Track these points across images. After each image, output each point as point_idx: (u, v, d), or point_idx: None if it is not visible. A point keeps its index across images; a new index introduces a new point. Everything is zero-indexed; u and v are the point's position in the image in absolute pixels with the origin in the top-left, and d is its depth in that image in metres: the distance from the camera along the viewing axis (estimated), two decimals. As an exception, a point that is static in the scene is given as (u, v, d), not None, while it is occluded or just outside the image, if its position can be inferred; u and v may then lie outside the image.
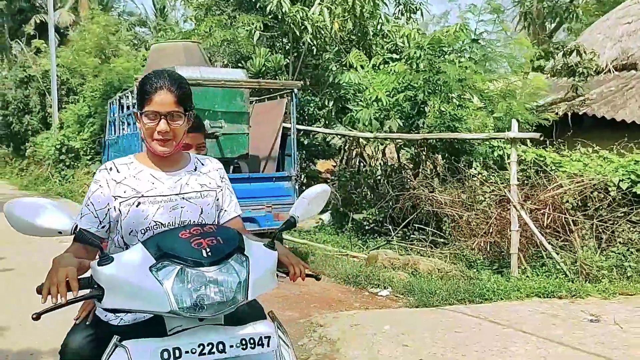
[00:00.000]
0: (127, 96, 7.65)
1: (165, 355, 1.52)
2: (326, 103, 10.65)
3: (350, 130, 9.61)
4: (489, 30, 11.45)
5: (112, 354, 1.58)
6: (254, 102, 8.08)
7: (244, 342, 1.61)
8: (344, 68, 10.07)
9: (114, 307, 1.61)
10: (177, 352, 1.53)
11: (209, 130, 6.58)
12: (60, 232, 1.61)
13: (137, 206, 1.92)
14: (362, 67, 9.90)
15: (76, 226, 1.63)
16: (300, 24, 9.74)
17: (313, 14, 9.47)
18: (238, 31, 11.72)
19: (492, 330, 4.53)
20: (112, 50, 18.84)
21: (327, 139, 13.99)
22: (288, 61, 11.71)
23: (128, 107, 7.36)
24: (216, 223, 2.06)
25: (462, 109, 8.07)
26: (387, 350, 4.19)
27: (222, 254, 1.61)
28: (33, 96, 23.05)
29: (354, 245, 9.14)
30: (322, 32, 9.99)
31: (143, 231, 1.90)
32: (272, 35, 12.10)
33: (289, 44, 11.52)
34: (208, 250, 1.59)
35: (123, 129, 8.09)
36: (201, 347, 1.55)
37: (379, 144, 9.97)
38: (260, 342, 1.64)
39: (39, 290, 1.57)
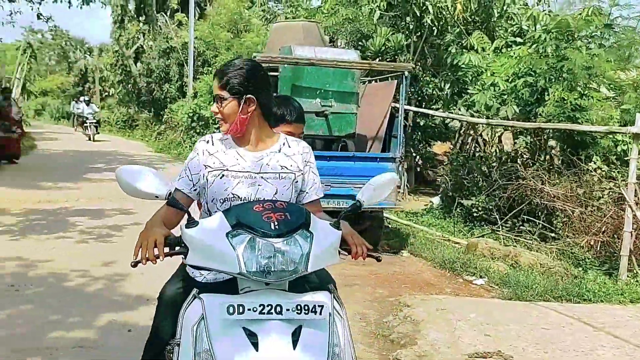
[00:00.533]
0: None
1: (231, 309, 1.76)
2: (443, 85, 10.47)
3: (463, 115, 9.39)
4: (624, 16, 10.52)
5: (191, 303, 1.87)
6: (366, 83, 8.21)
7: (299, 307, 1.80)
8: (464, 50, 9.82)
9: (195, 264, 1.90)
10: (240, 308, 1.76)
11: (319, 109, 6.86)
12: (157, 197, 1.90)
13: (220, 178, 2.15)
14: (483, 49, 9.61)
15: (169, 192, 1.91)
16: (422, 5, 9.64)
17: (435, -6, 9.31)
18: (361, 10, 11.83)
19: (582, 332, 4.39)
20: (244, 25, 19.76)
21: (446, 121, 13.78)
22: (410, 41, 11.66)
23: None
24: (293, 202, 2.23)
25: (585, 98, 7.60)
26: (467, 337, 4.24)
27: (289, 227, 1.80)
28: (173, 66, 24.93)
29: (459, 231, 9.06)
30: (444, 13, 9.80)
31: (222, 201, 2.17)
32: (395, 15, 12.07)
33: (412, 24, 11.45)
34: (276, 223, 1.80)
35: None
36: (262, 307, 1.77)
37: (493, 129, 9.67)
38: (313, 309, 1.82)
39: (133, 266, 1.93)
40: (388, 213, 10.03)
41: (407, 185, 13.51)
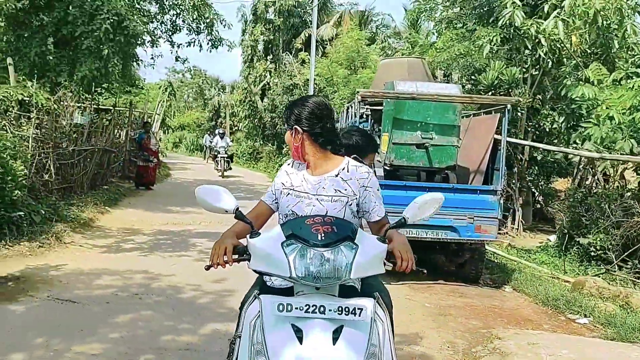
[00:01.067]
0: (352, 105, 8.53)
1: (281, 307, 2.06)
2: (557, 118, 10.17)
3: (577, 149, 9.05)
4: None
5: (252, 302, 2.23)
6: (471, 115, 8.27)
7: (340, 309, 2.06)
8: (580, 82, 9.51)
9: (257, 269, 2.24)
10: (289, 306, 2.06)
11: (420, 141, 7.06)
12: (226, 211, 2.32)
13: (287, 195, 2.54)
14: (600, 81, 9.25)
15: (237, 208, 2.31)
16: (534, 38, 9.53)
17: (547, 27, 9.17)
18: (473, 45, 11.88)
19: (686, 378, 4.12)
20: (362, 62, 20.45)
21: (569, 157, 13.23)
22: (525, 75, 11.49)
23: (355, 115, 8.21)
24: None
25: None
26: (554, 371, 4.17)
27: (334, 238, 2.09)
28: (296, 102, 26.24)
29: (572, 270, 8.68)
30: (559, 45, 9.60)
31: (285, 216, 2.53)
32: (510, 48, 11.97)
33: (529, 57, 11.29)
34: (323, 235, 2.09)
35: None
36: (307, 306, 2.05)
37: (609, 165, 9.20)
38: (354, 311, 2.06)
39: (207, 269, 2.36)
40: (496, 248, 9.84)
41: (522, 222, 13.10)
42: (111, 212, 11.19)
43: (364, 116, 8.43)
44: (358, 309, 2.07)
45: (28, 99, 9.56)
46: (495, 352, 4.71)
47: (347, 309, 2.07)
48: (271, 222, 2.67)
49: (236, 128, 40.32)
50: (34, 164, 8.97)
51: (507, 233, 12.94)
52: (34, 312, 5.07)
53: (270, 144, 30.14)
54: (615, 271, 7.89)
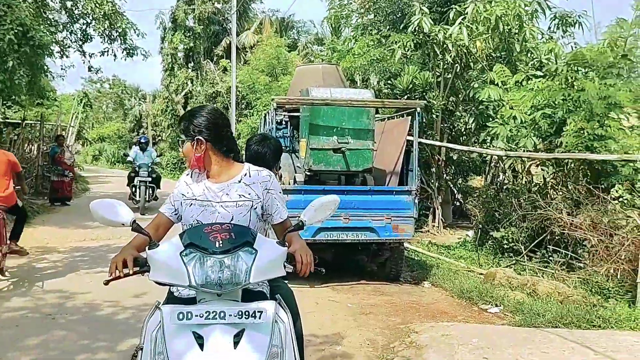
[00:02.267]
0: (269, 112, 8.59)
1: (180, 316, 2.10)
2: (468, 119, 10.68)
3: (484, 148, 9.54)
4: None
5: (153, 313, 2.23)
6: (385, 120, 8.53)
7: (240, 313, 2.11)
8: (486, 85, 10.05)
9: (157, 280, 2.23)
10: (189, 314, 2.09)
11: (336, 146, 7.21)
12: (123, 224, 2.30)
13: (190, 206, 2.54)
14: (504, 83, 9.81)
15: (133, 220, 2.29)
16: (442, 43, 9.97)
17: (453, 33, 9.63)
18: (388, 50, 12.25)
19: (582, 355, 4.44)
20: (282, 68, 20.58)
21: (483, 155, 13.87)
22: (438, 78, 11.97)
23: (274, 122, 8.25)
24: (254, 226, 2.51)
25: (604, 128, 7.67)
26: (465, 359, 4.39)
27: (232, 245, 2.14)
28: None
29: (487, 263, 9.11)
30: (465, 50, 10.09)
31: (189, 226, 2.52)
32: (423, 53, 12.43)
33: (440, 61, 11.77)
34: (221, 242, 2.14)
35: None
36: (207, 313, 2.09)
37: (523, 162, 9.77)
38: (254, 315, 2.12)
39: (105, 284, 2.36)
40: (417, 246, 10.18)
41: (442, 219, 13.59)
42: (23, 231, 10.63)
43: (283, 123, 8.51)
44: (258, 311, 2.13)
45: None
46: (411, 346, 4.90)
47: (247, 313, 2.12)
48: (172, 233, 2.68)
49: (159, 138, 39.41)
50: None
51: (428, 231, 13.40)
52: None
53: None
54: (524, 262, 8.37)
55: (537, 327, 5.34)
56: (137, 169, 13.66)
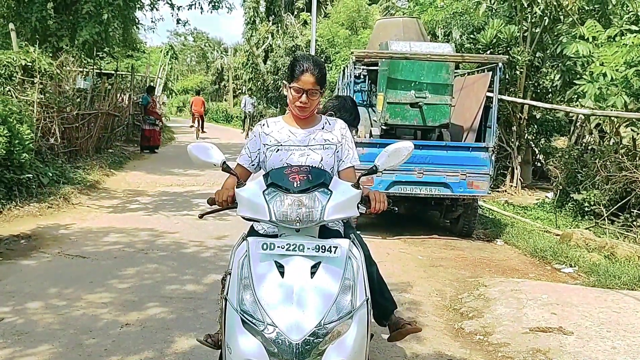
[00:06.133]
0: (347, 66, 8.66)
1: (264, 246, 2.32)
2: (553, 76, 10.25)
3: (570, 107, 9.18)
4: None
5: (241, 243, 2.49)
6: (466, 75, 8.39)
7: (318, 247, 2.31)
8: (576, 40, 9.56)
9: (243, 215, 2.48)
10: (272, 245, 2.31)
11: (413, 100, 7.22)
12: (215, 165, 2.53)
13: (276, 152, 2.71)
14: (594, 38, 9.30)
15: (224, 162, 2.52)
16: (531, -5, 9.54)
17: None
18: (472, 3, 11.86)
19: (656, 317, 4.39)
20: (362, 22, 20.33)
21: (570, 115, 13.31)
22: (524, 33, 11.48)
23: (352, 76, 8.33)
24: (334, 168, 2.73)
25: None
26: (533, 313, 4.45)
27: (309, 185, 2.35)
28: (298, 63, 26.17)
29: (565, 225, 8.92)
30: (555, 3, 9.61)
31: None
32: (510, 6, 11.93)
33: (529, 15, 11.26)
34: (299, 183, 2.35)
35: (344, 91, 9.17)
36: (288, 245, 2.30)
37: (603, 121, 9.35)
38: (330, 249, 2.32)
39: (209, 201, 2.63)
40: (492, 205, 10.09)
41: (520, 180, 13.29)
42: (116, 175, 11.48)
43: (361, 77, 8.57)
44: (333, 247, 2.32)
45: (31, 64, 9.72)
46: (480, 298, 5.00)
47: (323, 247, 2.31)
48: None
49: (239, 91, 40.31)
50: (40, 128, 9.21)
51: (505, 191, 13.16)
52: (46, 267, 5.38)
53: (273, 107, 30.19)
54: (605, 225, 8.13)
55: (612, 288, 5.27)
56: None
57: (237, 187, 2.48)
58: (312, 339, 2.13)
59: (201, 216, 2.65)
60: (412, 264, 6.31)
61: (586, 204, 9.39)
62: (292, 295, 2.19)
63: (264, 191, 2.37)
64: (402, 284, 5.42)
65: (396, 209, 2.63)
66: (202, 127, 22.27)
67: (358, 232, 2.95)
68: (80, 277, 5.06)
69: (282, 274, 2.26)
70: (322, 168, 2.62)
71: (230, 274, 2.43)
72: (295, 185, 2.33)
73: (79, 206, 8.30)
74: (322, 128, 2.78)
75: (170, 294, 4.77)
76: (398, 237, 7.49)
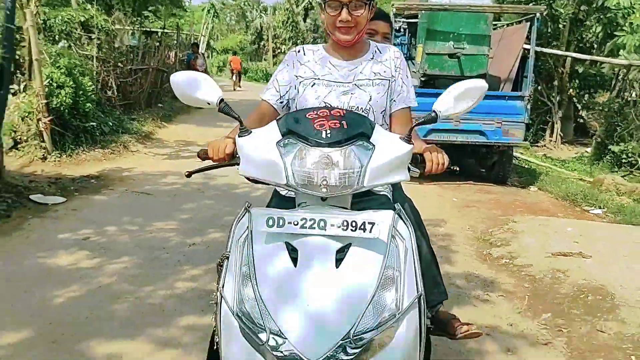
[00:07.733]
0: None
1: (270, 222, 1.59)
2: (596, 29, 10.27)
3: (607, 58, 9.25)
4: None
5: (242, 216, 1.71)
6: (505, 26, 8.57)
7: (346, 223, 1.58)
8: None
9: (247, 175, 1.73)
10: (280, 220, 1.58)
11: (452, 51, 7.51)
12: (208, 103, 1.79)
13: (311, 86, 2.07)
14: (638, -12, 9.28)
15: (221, 99, 1.77)
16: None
17: None
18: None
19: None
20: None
21: (615, 69, 13.22)
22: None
23: (392, 29, 8.63)
24: (386, 111, 2.11)
25: None
26: (557, 242, 4.85)
27: (343, 137, 1.61)
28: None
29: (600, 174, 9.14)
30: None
31: None
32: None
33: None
34: (329, 132, 1.61)
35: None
36: (304, 220, 1.58)
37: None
38: (362, 226, 1.58)
39: (200, 154, 1.93)
40: (528, 156, 10.35)
41: (560, 135, 13.39)
42: (167, 127, 12.17)
43: (402, 30, 8.86)
44: (369, 223, 1.59)
45: (89, 21, 10.34)
46: (508, 231, 5.42)
47: (354, 223, 1.59)
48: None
49: (279, 51, 40.60)
50: (99, 82, 9.87)
51: (544, 145, 13.32)
52: (116, 201, 6.05)
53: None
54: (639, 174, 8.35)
55: (637, 225, 5.60)
56: None
57: (239, 136, 1.73)
58: (339, 356, 1.45)
59: (189, 174, 1.98)
60: (447, 205, 6.73)
61: (624, 156, 9.58)
62: (309, 293, 1.53)
63: (277, 142, 1.65)
64: (436, 220, 5.87)
65: (457, 168, 2.29)
66: (240, 81, 22.94)
67: (410, 198, 2.38)
68: (147, 209, 5.70)
69: (294, 260, 1.59)
70: (372, 110, 2.05)
71: (227, 257, 1.71)
72: (324, 135, 1.61)
73: (137, 153, 8.99)
74: (372, 58, 2.12)
75: (228, 223, 5.32)
76: (434, 183, 7.90)
